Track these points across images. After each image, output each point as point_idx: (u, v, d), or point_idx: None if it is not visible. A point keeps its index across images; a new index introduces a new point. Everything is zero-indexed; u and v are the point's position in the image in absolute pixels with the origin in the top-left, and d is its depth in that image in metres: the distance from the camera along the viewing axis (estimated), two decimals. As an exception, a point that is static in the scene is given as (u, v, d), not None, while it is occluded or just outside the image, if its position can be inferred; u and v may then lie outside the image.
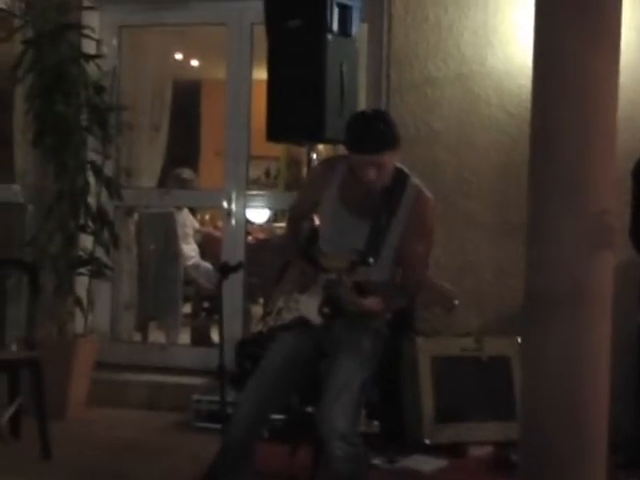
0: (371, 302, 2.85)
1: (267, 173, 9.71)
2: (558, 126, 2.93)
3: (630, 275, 3.94)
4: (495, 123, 4.88)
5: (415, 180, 3.03)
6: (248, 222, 5.71)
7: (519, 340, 4.19)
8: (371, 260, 2.83)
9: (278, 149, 8.46)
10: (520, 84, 4.71)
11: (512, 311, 4.40)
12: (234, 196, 5.37)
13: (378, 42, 4.97)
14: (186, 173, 6.57)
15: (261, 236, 7.62)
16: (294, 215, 3.28)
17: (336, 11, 4.11)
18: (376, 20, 4.97)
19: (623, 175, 3.78)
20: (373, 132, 2.85)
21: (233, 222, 5.39)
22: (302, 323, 3.01)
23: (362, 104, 4.74)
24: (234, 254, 5.16)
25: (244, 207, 5.42)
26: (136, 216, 6.17)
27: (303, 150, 4.87)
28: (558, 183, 2.92)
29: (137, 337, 6.21)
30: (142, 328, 6.28)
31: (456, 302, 2.65)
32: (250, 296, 5.78)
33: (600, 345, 2.95)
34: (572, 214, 2.90)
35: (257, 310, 5.65)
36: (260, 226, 7.88)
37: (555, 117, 2.95)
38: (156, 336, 6.41)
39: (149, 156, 6.13)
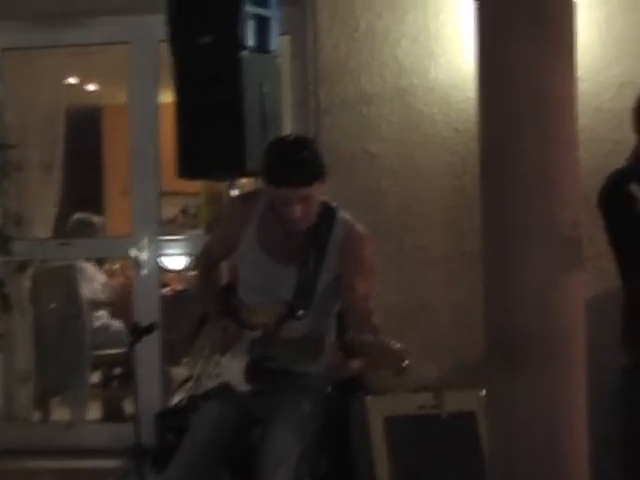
0: (357, 366, 2.82)
1: (185, 211, 9.66)
2: (511, 138, 2.96)
3: (608, 309, 3.97)
4: (442, 142, 4.92)
5: (344, 215, 3.03)
6: (164, 271, 5.65)
7: (484, 392, 4.19)
8: (301, 312, 2.81)
9: (197, 183, 8.42)
10: (468, 97, 4.76)
11: (475, 359, 4.41)
12: (145, 242, 5.31)
13: (303, 56, 5.01)
14: (89, 218, 6.51)
15: (179, 286, 7.56)
16: (207, 261, 3.25)
17: (251, 24, 4.12)
18: (299, 31, 5.00)
19: (590, 193, 3.83)
20: (296, 162, 2.85)
21: (145, 272, 5.33)
22: (226, 390, 2.97)
23: (288, 128, 4.75)
24: (148, 310, 5.10)
25: (157, 254, 5.37)
26: (30, 272, 6.07)
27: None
28: (516, 202, 2.94)
29: (37, 416, 6.11)
30: (42, 404, 6.18)
31: (406, 363, 2.64)
32: (170, 357, 5.71)
33: (577, 394, 2.96)
34: (535, 236, 2.92)
35: (180, 372, 5.58)
36: (178, 274, 7.81)
37: (507, 129, 2.98)
38: (60, 413, 6.30)
39: (42, 200, 6.05)
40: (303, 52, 5.01)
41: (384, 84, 4.93)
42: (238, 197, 3.38)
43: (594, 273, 4.15)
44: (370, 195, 4.85)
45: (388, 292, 4.70)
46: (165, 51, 4.72)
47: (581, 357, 2.97)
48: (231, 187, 4.37)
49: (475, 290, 4.60)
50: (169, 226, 7.25)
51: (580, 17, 4.86)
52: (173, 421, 4.52)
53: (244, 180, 4.99)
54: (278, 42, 4.35)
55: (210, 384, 3.01)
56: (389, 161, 4.94)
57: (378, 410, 4.35)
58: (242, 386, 2.92)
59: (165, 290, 6.06)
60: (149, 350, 5.00)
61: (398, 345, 2.70)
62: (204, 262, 3.27)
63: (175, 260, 7.23)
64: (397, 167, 4.94)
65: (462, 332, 4.80)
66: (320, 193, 2.93)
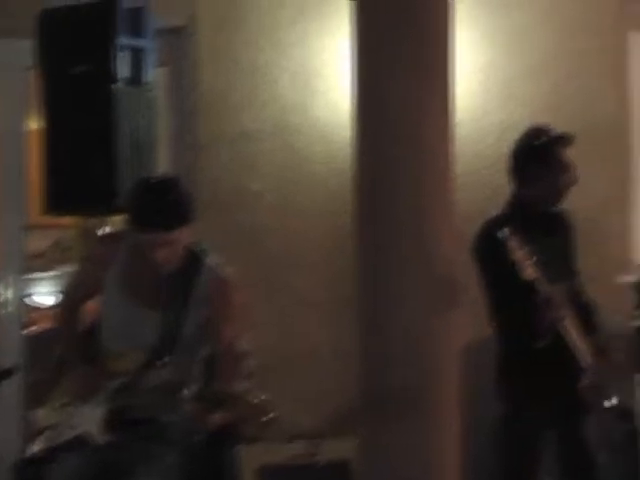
0: (219, 418, 2.80)
1: (56, 245, 9.44)
2: (386, 180, 2.99)
3: (483, 358, 4.03)
4: (322, 181, 4.94)
5: (212, 259, 3.01)
6: (31, 308, 5.50)
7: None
8: (166, 359, 2.77)
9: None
10: (348, 136, 4.77)
11: (352, 406, 4.41)
12: (9, 279, 5.17)
13: (180, 89, 4.96)
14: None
15: (47, 325, 7.36)
16: (69, 303, 3.18)
17: (125, 55, 4.06)
18: (177, 63, 4.95)
19: (469, 239, 3.89)
20: (161, 206, 2.82)
21: (8, 310, 5.18)
22: (85, 441, 2.90)
23: (163, 164, 4.69)
24: (10, 352, 4.95)
25: (21, 292, 5.22)
26: None
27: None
28: (391, 245, 2.96)
29: None
30: None
31: (269, 417, 2.61)
32: (34, 399, 5.53)
33: (449, 443, 2.98)
34: (410, 279, 2.94)
35: (43, 416, 5.42)
36: (47, 311, 7.61)
37: (382, 171, 3.01)
38: None
39: None
40: (181, 85, 4.96)
41: (264, 121, 4.92)
42: (102, 237, 3.32)
43: (469, 318, 4.19)
44: (249, 233, 4.82)
45: (264, 335, 4.66)
46: (33, 79, 4.63)
47: (455, 406, 2.99)
48: (100, 225, 4.29)
49: (354, 336, 4.63)
50: (38, 261, 7.05)
51: (465, 62, 5.02)
52: (30, 473, 4.37)
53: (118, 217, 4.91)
54: (154, 74, 4.30)
55: (69, 434, 2.93)
56: (269, 199, 4.93)
57: (251, 459, 4.30)
58: (101, 437, 2.85)
59: (31, 329, 5.88)
60: (9, 393, 4.85)
61: (261, 398, 2.67)
62: (66, 303, 3.20)
63: (45, 296, 7.07)
64: (277, 205, 4.94)
65: (339, 378, 4.78)
66: (186, 237, 2.90)
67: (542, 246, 3.91)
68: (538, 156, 3.92)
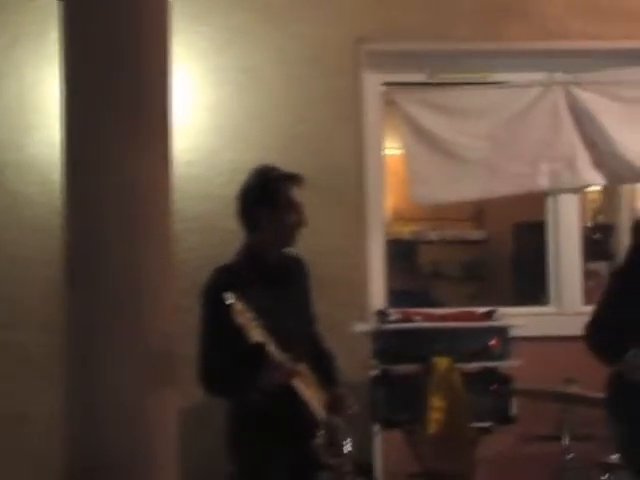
0: None
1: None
2: (98, 239, 2.88)
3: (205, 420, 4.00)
4: (42, 226, 4.75)
5: None
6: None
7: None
8: None
9: None
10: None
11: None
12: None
13: None
14: None
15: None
16: None
17: None
18: None
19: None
20: None
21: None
22: None
23: None
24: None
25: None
26: None
27: None
28: (102, 310, 2.86)
29: None
30: None
31: None
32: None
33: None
34: (123, 348, 2.84)
35: None
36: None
37: (92, 221, 2.91)
38: None
39: None
40: None
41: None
42: None
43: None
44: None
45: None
46: None
47: (172, 474, 2.92)
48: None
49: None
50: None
51: (195, 101, 5.02)
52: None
53: None
54: None
55: None
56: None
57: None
58: None
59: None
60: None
61: None
62: None
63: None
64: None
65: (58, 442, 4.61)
66: None
67: (276, 295, 3.93)
68: (262, 197, 3.89)
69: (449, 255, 8.28)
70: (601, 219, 7.70)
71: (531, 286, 6.21)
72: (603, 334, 3.14)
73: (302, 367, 3.82)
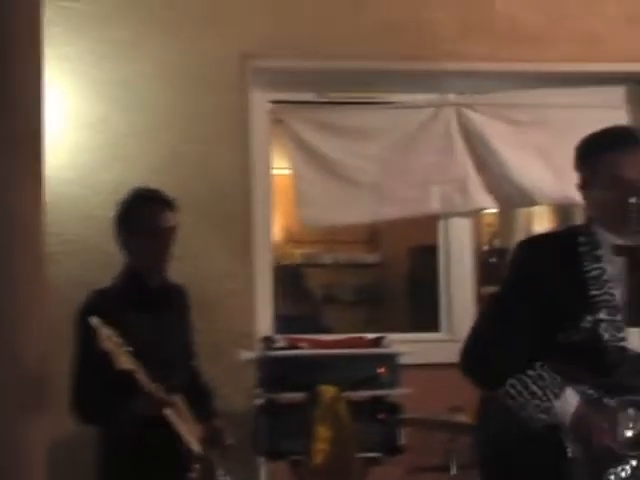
0: None
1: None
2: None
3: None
4: None
5: None
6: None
7: None
8: None
9: None
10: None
11: None
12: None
13: None
14: None
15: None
16: None
17: None
18: None
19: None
20: None
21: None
22: None
23: None
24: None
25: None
26: None
27: None
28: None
29: None
30: None
31: None
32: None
33: None
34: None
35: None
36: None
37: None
38: None
39: None
40: None
41: None
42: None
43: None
44: None
45: None
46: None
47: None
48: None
49: None
50: None
51: (75, 117, 4.86)
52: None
53: None
54: None
55: None
56: None
57: None
58: None
59: None
60: None
61: None
62: None
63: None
64: None
65: None
66: None
67: (154, 322, 3.85)
68: (128, 222, 3.86)
69: (342, 279, 8.24)
70: (497, 243, 7.79)
71: (426, 311, 6.18)
72: (481, 359, 3.10)
73: (177, 399, 3.75)
